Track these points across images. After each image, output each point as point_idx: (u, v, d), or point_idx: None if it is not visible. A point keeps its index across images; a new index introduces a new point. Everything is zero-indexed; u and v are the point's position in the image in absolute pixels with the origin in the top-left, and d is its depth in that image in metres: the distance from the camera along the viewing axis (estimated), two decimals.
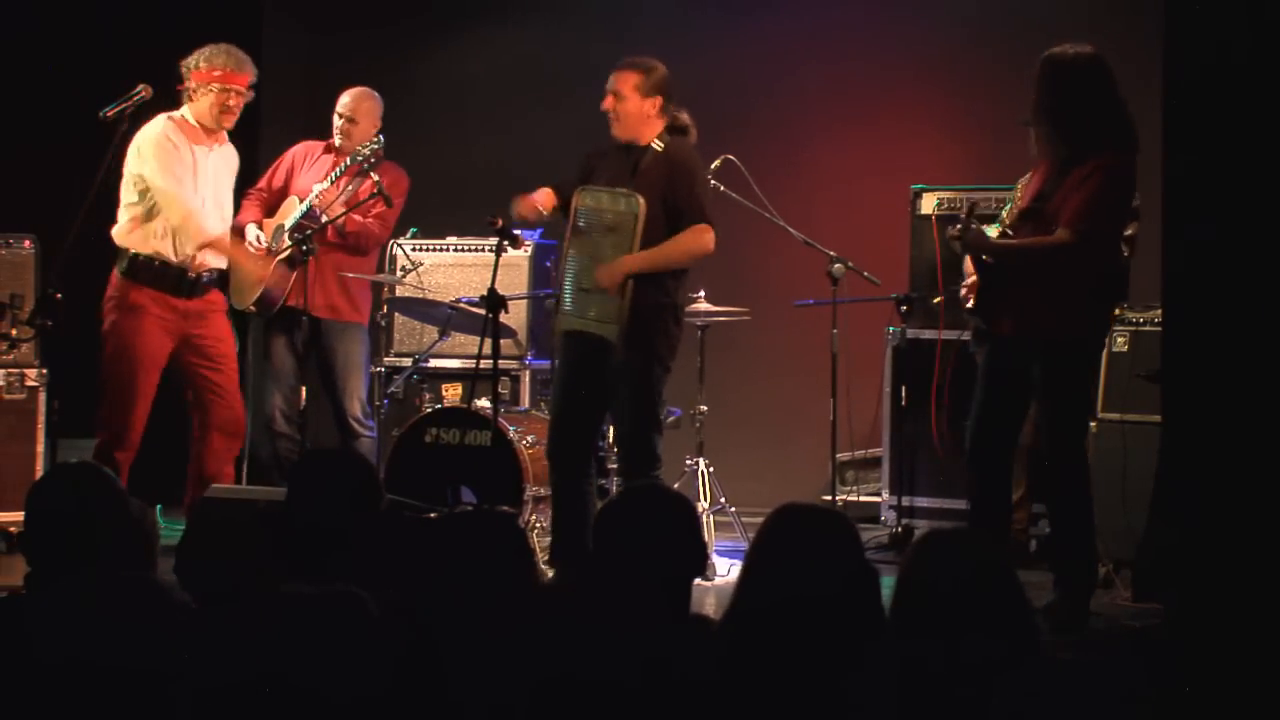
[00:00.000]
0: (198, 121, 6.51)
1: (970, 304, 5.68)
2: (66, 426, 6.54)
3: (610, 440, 6.85)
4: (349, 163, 6.89)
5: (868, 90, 8.69)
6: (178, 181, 6.45)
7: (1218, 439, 5.13)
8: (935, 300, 7.09)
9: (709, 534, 6.63)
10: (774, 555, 3.03)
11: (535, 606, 2.98)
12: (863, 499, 7.88)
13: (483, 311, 6.15)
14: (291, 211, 6.96)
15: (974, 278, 5.65)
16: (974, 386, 5.72)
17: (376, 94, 7.21)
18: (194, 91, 6.49)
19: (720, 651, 2.91)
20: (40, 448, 6.86)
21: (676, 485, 6.42)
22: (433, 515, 5.73)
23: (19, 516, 5.56)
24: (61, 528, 3.38)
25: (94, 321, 6.60)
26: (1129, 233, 6.06)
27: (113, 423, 6.44)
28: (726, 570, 6.45)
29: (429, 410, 7.01)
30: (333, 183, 6.93)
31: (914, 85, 8.63)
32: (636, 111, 5.90)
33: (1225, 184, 5.18)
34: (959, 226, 5.52)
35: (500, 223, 6.05)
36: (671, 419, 7.14)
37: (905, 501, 7.35)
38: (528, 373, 7.57)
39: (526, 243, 7.42)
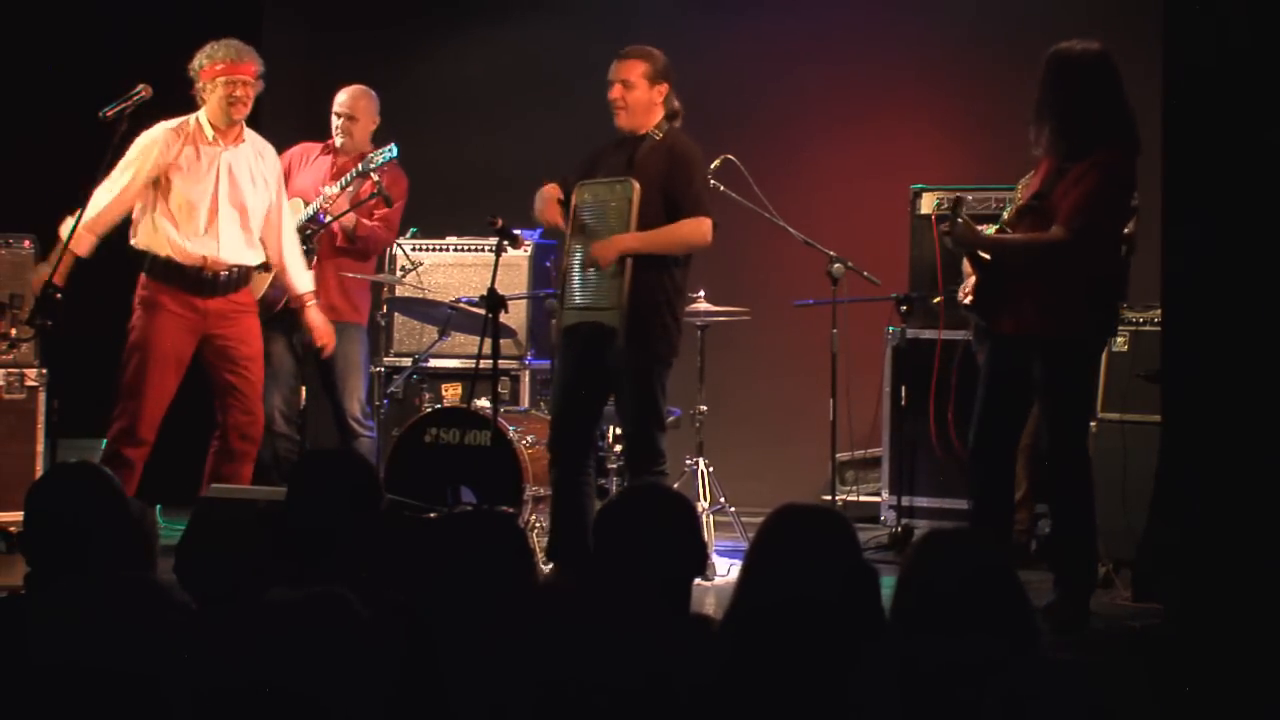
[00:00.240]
0: (211, 122, 6.47)
1: (969, 302, 5.68)
2: (66, 426, 6.53)
3: (610, 440, 6.86)
4: (360, 169, 6.89)
5: (868, 90, 8.69)
6: (114, 180, 6.37)
7: (1217, 439, 5.13)
8: (935, 300, 7.09)
9: (709, 534, 6.63)
10: (773, 555, 3.03)
11: (535, 607, 2.98)
12: (862, 499, 7.89)
13: (482, 311, 6.15)
14: (295, 214, 6.98)
15: (973, 278, 5.65)
16: (976, 386, 5.72)
17: (372, 91, 7.22)
18: (203, 92, 6.47)
19: (721, 652, 2.91)
20: (40, 448, 6.85)
21: (676, 485, 6.43)
22: (432, 515, 5.73)
23: (19, 516, 5.57)
24: (61, 528, 3.37)
25: (94, 322, 6.60)
26: (1126, 231, 6.05)
27: (122, 417, 6.41)
28: (726, 570, 6.45)
29: (429, 410, 7.00)
30: (342, 189, 6.94)
31: (914, 85, 8.63)
32: (645, 99, 5.91)
33: (1225, 184, 5.18)
34: (947, 223, 5.53)
35: (500, 222, 6.06)
36: (671, 419, 7.14)
37: (905, 501, 7.35)
38: (527, 373, 7.57)
39: (526, 242, 7.42)
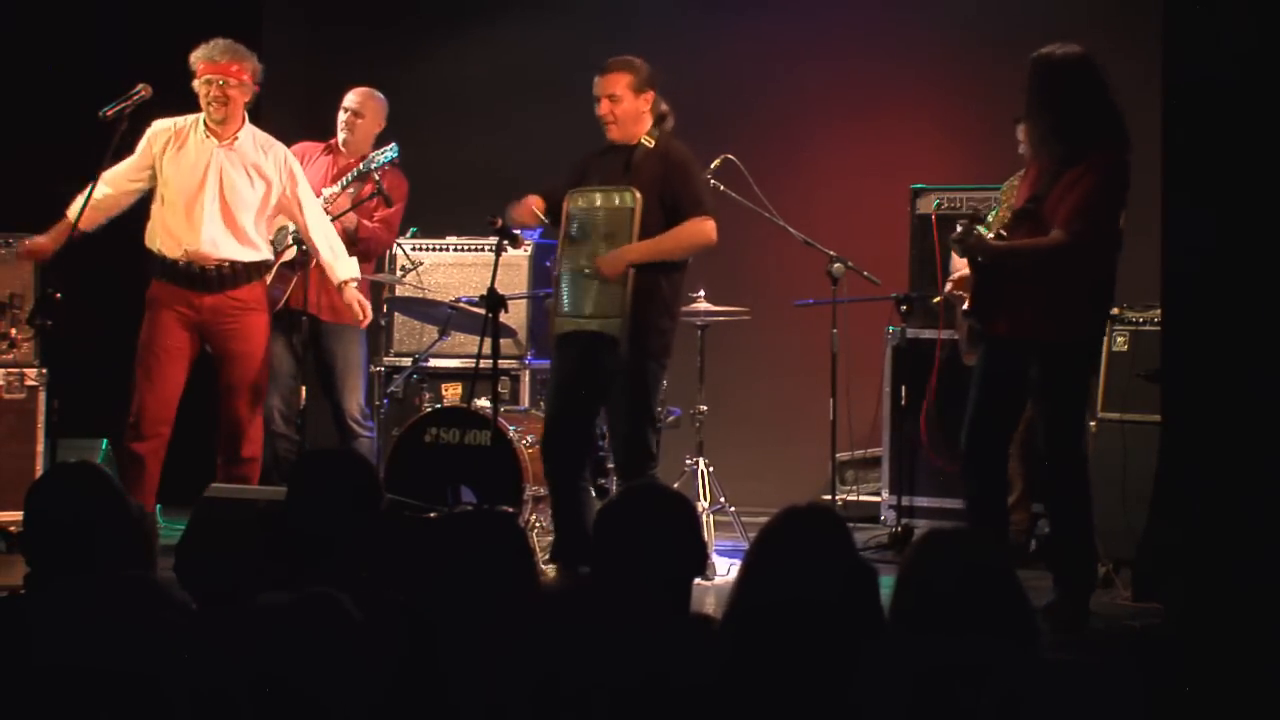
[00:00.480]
0: (205, 120, 6.52)
1: (965, 307, 5.68)
2: (66, 426, 6.54)
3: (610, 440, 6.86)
4: (361, 170, 6.90)
5: (868, 90, 8.69)
6: (104, 179, 6.43)
7: (1217, 438, 5.13)
8: (935, 300, 7.09)
9: (709, 534, 6.63)
10: (771, 555, 3.03)
11: (535, 606, 2.98)
12: (862, 498, 7.89)
13: (482, 311, 6.14)
14: None
15: (959, 273, 5.64)
16: (962, 388, 5.72)
17: (383, 96, 7.24)
18: (196, 89, 6.51)
19: (721, 652, 2.91)
20: (40, 447, 6.86)
21: (676, 485, 6.42)
22: (432, 515, 5.73)
23: (18, 516, 5.57)
24: (61, 528, 3.37)
25: (93, 322, 6.60)
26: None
27: (129, 412, 6.46)
28: (726, 570, 6.44)
29: (429, 410, 7.00)
30: (343, 190, 6.95)
31: (914, 85, 8.63)
32: (633, 111, 5.92)
33: (1225, 183, 5.18)
34: (960, 232, 5.50)
35: (500, 222, 6.05)
36: (671, 419, 7.14)
37: (905, 501, 7.35)
38: (527, 372, 7.57)
39: (526, 242, 7.42)
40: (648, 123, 5.96)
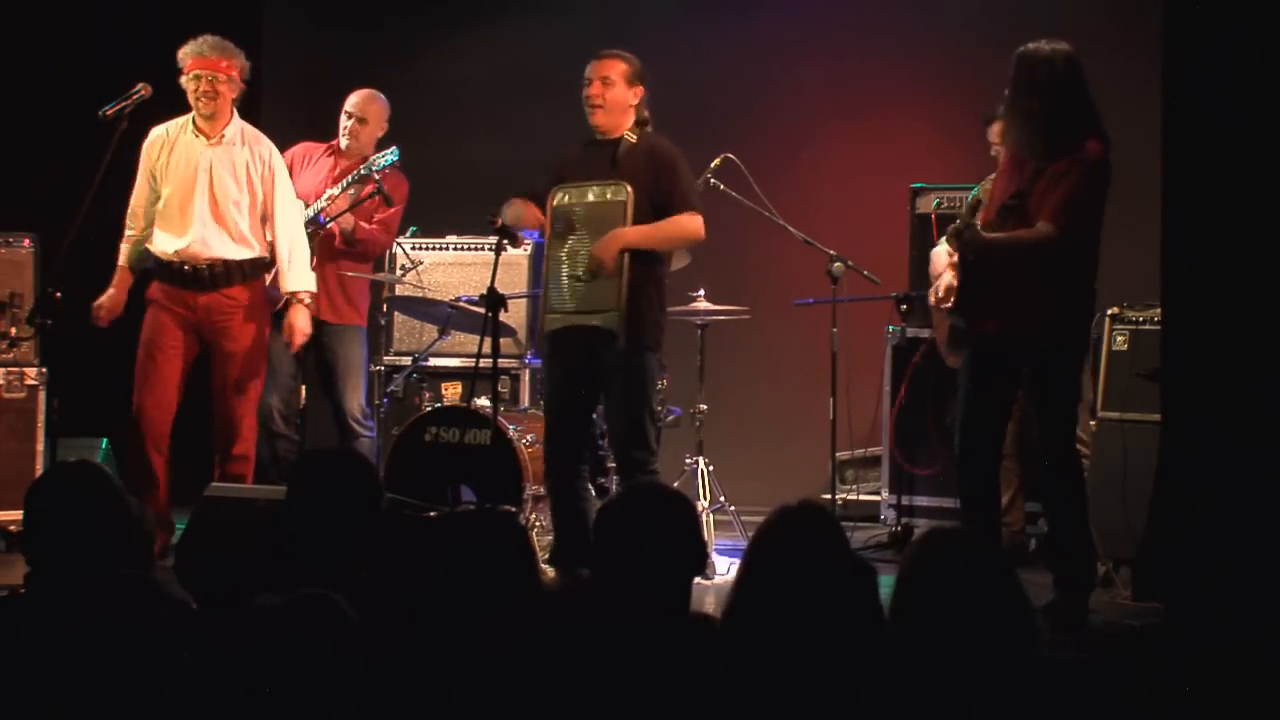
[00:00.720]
0: (194, 119, 6.55)
1: (950, 305, 5.68)
2: (66, 425, 6.55)
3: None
4: (361, 172, 6.90)
5: (867, 89, 8.69)
6: (132, 213, 6.62)
7: (1217, 438, 5.13)
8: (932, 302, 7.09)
9: (709, 533, 6.63)
10: (767, 555, 3.03)
11: (536, 606, 2.98)
12: (862, 498, 7.89)
13: (482, 310, 6.14)
14: None
15: (943, 281, 5.64)
16: (933, 387, 5.73)
17: (385, 98, 7.24)
18: (184, 88, 6.53)
19: (721, 651, 2.91)
20: (40, 446, 6.86)
21: (676, 484, 6.42)
22: (433, 514, 5.73)
23: (18, 515, 5.57)
24: (60, 527, 3.37)
25: (93, 321, 6.61)
26: None
27: (130, 413, 6.52)
28: (726, 569, 6.44)
29: (429, 409, 7.00)
30: (343, 191, 6.95)
31: (914, 84, 8.63)
32: (622, 99, 5.91)
33: (1225, 184, 5.18)
34: (958, 225, 5.50)
35: (500, 221, 6.04)
36: (671, 418, 7.14)
37: (905, 500, 7.35)
38: (527, 371, 7.56)
39: (526, 241, 7.41)
40: (631, 119, 5.96)
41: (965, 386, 5.62)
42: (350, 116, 7.16)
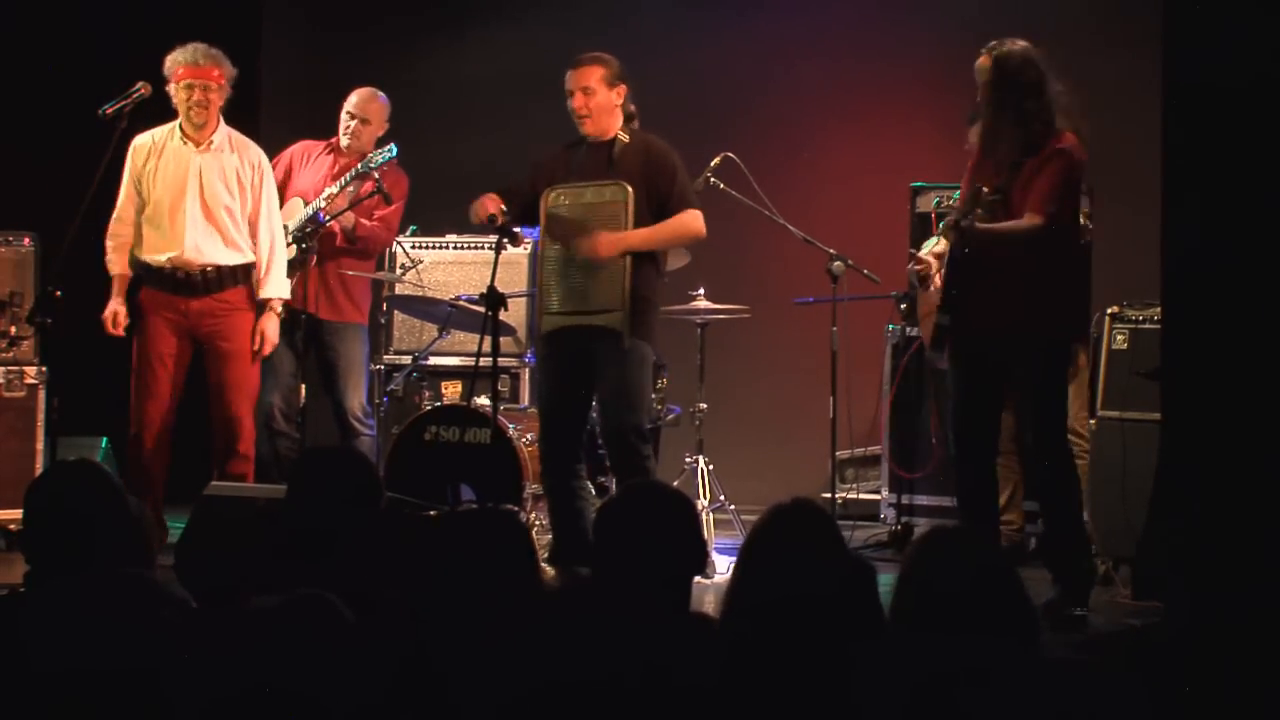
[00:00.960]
0: (182, 126, 6.57)
1: (940, 301, 5.68)
2: (66, 424, 6.54)
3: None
4: (360, 170, 6.89)
5: (867, 88, 8.69)
6: (118, 218, 6.62)
7: (1218, 437, 5.13)
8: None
9: (709, 531, 6.63)
10: (763, 554, 3.03)
11: (537, 605, 2.98)
12: (862, 496, 7.89)
13: (482, 309, 6.14)
14: (295, 213, 6.99)
15: (930, 259, 5.64)
16: (926, 386, 5.74)
17: (385, 97, 7.24)
18: (172, 96, 6.54)
19: (722, 650, 2.91)
20: (40, 445, 6.87)
21: (676, 483, 6.42)
22: (433, 513, 5.73)
23: (18, 514, 5.57)
24: (60, 526, 3.37)
25: (93, 320, 6.62)
26: None
27: (130, 422, 6.60)
28: (726, 568, 6.44)
29: (429, 408, 7.01)
30: (341, 189, 6.95)
31: (914, 83, 8.63)
32: (606, 103, 5.92)
33: (1225, 183, 5.18)
34: (957, 215, 5.47)
35: (500, 220, 6.05)
36: (671, 417, 7.14)
37: (905, 499, 7.35)
38: (527, 370, 7.56)
39: (526, 240, 7.42)
40: (619, 118, 5.97)
41: (956, 387, 5.64)
42: (353, 117, 7.15)
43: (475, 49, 9.23)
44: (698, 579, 3.57)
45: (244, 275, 6.60)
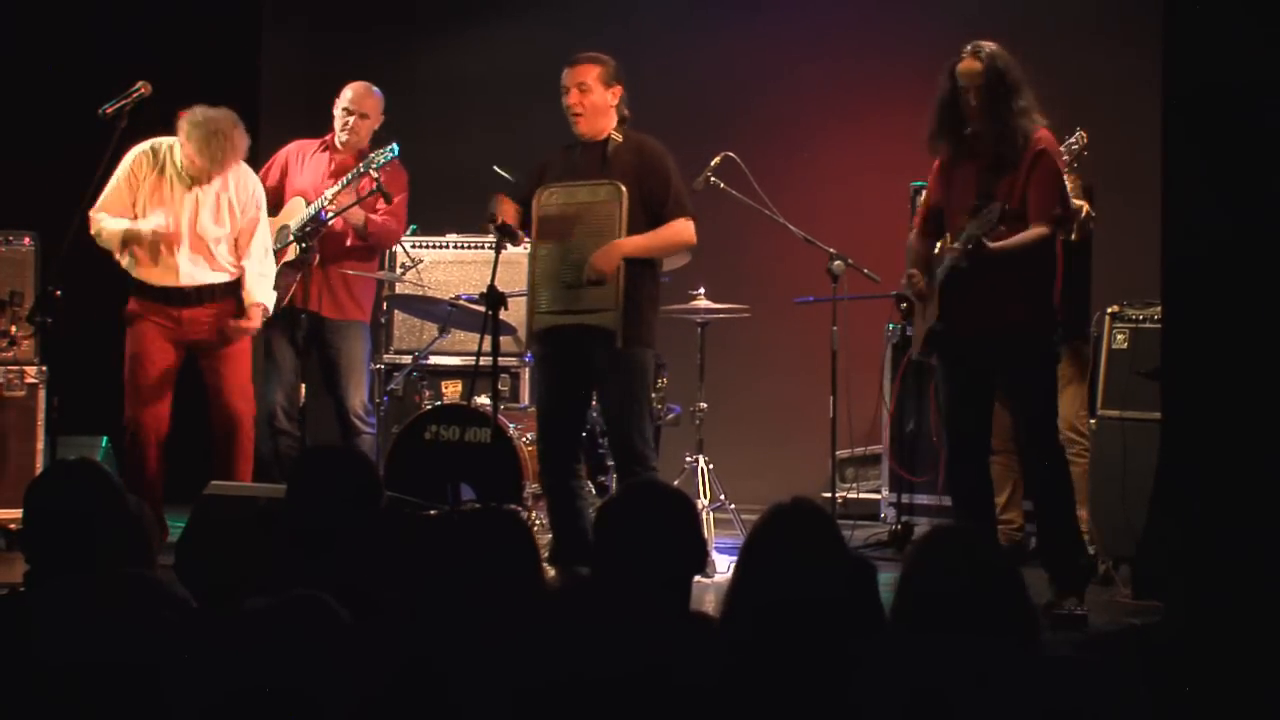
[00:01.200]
0: (184, 159, 6.56)
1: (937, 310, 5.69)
2: (66, 424, 6.56)
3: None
4: (361, 170, 6.88)
5: (868, 88, 8.69)
6: (111, 213, 6.57)
7: (1218, 436, 5.13)
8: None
9: (709, 531, 6.63)
10: (763, 554, 3.03)
11: (537, 605, 2.98)
12: (862, 496, 7.89)
13: (482, 309, 6.14)
14: (296, 213, 6.99)
15: (916, 271, 5.66)
16: (926, 385, 5.76)
17: (379, 91, 7.22)
18: (180, 135, 6.51)
19: (722, 649, 2.91)
20: (40, 445, 6.87)
21: (676, 482, 6.42)
22: (433, 512, 5.73)
23: (18, 514, 5.57)
24: (60, 525, 3.37)
25: (93, 320, 6.63)
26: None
27: (126, 426, 6.63)
28: (726, 567, 6.44)
29: (429, 407, 7.01)
30: (344, 188, 6.94)
31: (914, 82, 8.58)
32: (601, 102, 5.92)
33: (1225, 182, 5.18)
34: (970, 237, 5.42)
35: (500, 220, 6.05)
36: (671, 416, 7.14)
37: (905, 499, 7.35)
38: (527, 370, 7.56)
39: (526, 239, 7.42)
40: (614, 119, 5.97)
41: (948, 388, 5.66)
42: (350, 113, 7.13)
43: (475, 46, 9.23)
44: (698, 578, 3.57)
45: (234, 289, 6.66)
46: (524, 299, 7.45)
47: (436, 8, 9.34)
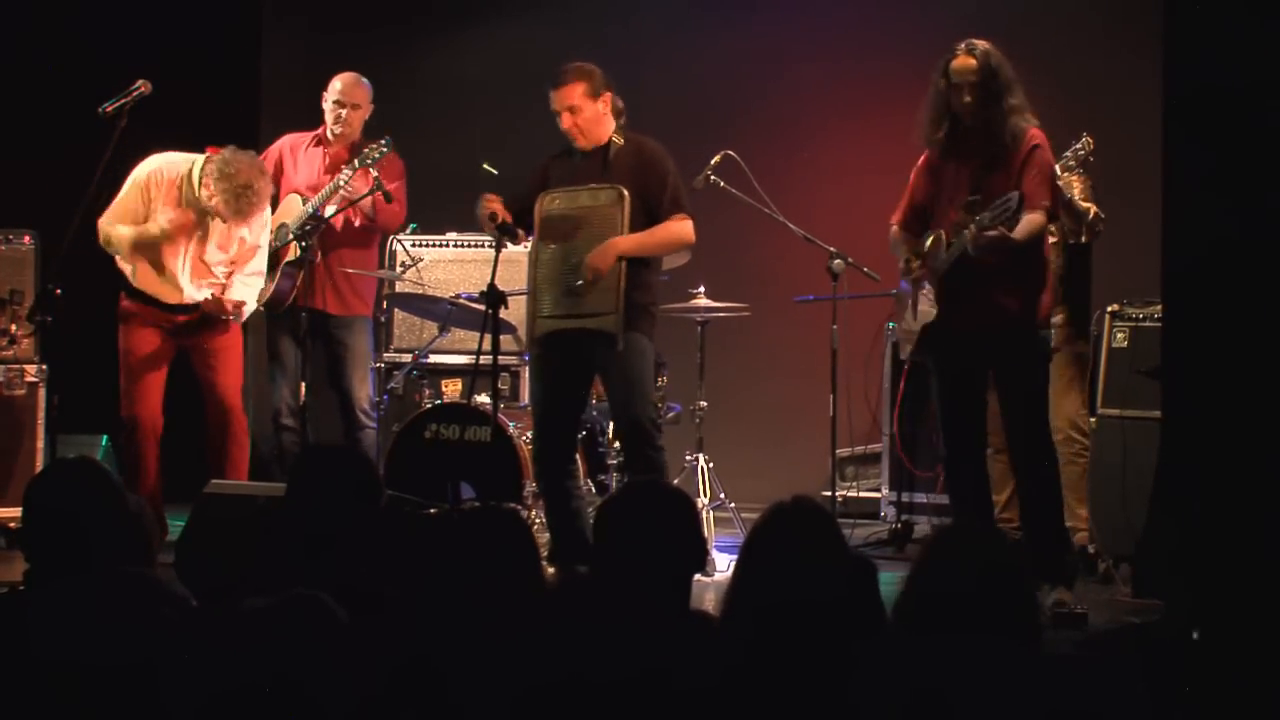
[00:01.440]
0: (201, 188, 6.55)
1: (936, 307, 5.69)
2: (66, 422, 6.56)
3: (610, 435, 6.85)
4: (358, 165, 6.86)
5: (868, 86, 8.68)
6: (120, 222, 6.57)
7: (1218, 435, 5.13)
8: None
9: (709, 530, 6.63)
10: (764, 553, 3.03)
11: (537, 604, 2.98)
12: (863, 495, 7.89)
13: (482, 307, 6.14)
14: (294, 210, 6.98)
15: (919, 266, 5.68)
16: (924, 389, 5.77)
17: (367, 80, 7.19)
18: (203, 176, 6.49)
19: (722, 649, 2.91)
20: (40, 443, 6.87)
21: (676, 481, 6.42)
22: (433, 511, 5.73)
23: (18, 512, 5.57)
24: (60, 524, 3.37)
25: (93, 318, 6.63)
26: None
27: (123, 424, 6.64)
28: (726, 566, 6.44)
29: (429, 406, 7.01)
30: (342, 187, 6.93)
31: (914, 82, 8.57)
32: (594, 116, 5.94)
33: (1225, 181, 5.18)
34: (978, 227, 5.42)
35: (500, 219, 6.05)
36: (671, 415, 7.14)
37: (905, 497, 7.35)
38: (527, 369, 7.56)
39: (526, 239, 7.42)
40: (611, 123, 5.98)
41: (943, 387, 5.67)
42: (341, 105, 7.09)
43: (475, 45, 9.23)
44: (698, 577, 3.57)
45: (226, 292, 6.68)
46: (524, 298, 7.48)
47: (436, 8, 9.33)
